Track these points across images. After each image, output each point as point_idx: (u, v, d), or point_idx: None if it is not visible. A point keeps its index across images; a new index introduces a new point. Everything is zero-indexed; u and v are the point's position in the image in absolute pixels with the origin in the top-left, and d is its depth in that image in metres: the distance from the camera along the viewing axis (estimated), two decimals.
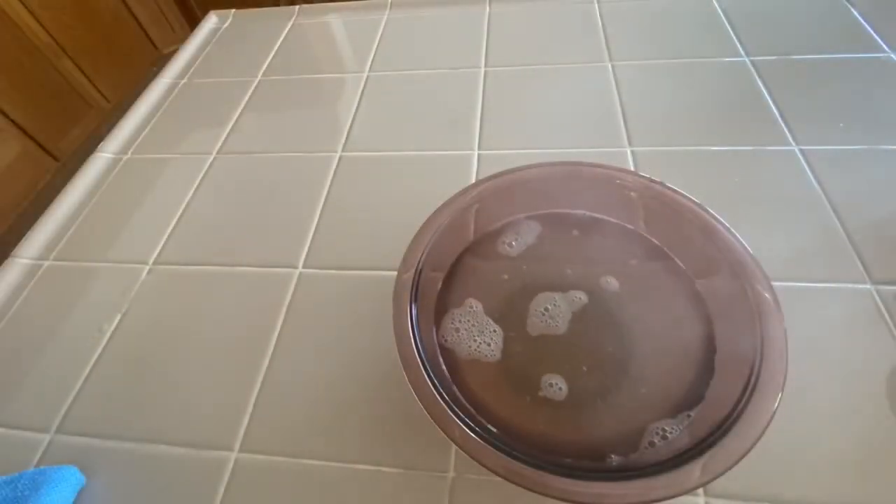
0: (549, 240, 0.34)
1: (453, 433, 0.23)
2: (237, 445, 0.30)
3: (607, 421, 0.27)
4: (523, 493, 0.22)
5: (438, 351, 0.29)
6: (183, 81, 0.58)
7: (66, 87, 1.51)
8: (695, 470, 0.22)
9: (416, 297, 0.28)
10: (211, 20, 0.67)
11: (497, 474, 0.22)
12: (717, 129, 0.43)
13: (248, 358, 0.34)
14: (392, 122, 0.49)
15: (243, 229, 0.42)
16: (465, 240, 0.34)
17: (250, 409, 0.31)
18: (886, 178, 0.38)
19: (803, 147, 0.41)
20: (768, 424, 0.22)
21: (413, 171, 0.44)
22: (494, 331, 0.30)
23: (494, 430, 0.26)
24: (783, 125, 0.43)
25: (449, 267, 0.33)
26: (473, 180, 0.42)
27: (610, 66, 0.51)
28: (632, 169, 0.41)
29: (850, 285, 0.33)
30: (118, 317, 0.37)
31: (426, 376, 0.25)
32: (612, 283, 0.32)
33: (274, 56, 0.60)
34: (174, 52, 0.63)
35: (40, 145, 1.44)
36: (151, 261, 0.40)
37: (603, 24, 0.56)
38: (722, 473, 0.21)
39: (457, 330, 0.30)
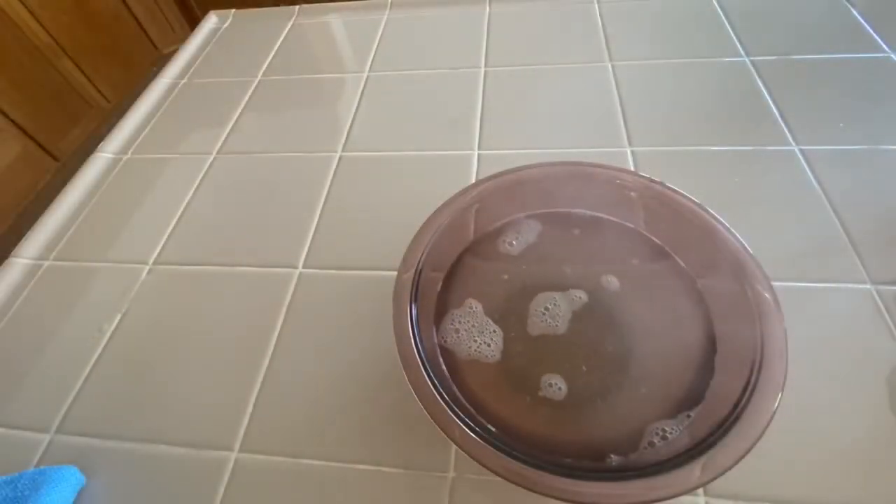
0: (550, 239, 0.34)
1: (453, 433, 0.23)
2: (237, 445, 0.30)
3: (607, 421, 0.27)
4: (523, 493, 0.22)
5: (438, 351, 0.29)
6: (183, 81, 0.58)
7: (66, 87, 1.51)
8: (695, 470, 0.22)
9: (416, 297, 0.28)
10: (211, 20, 0.67)
11: (497, 474, 0.22)
12: (717, 129, 0.43)
13: (248, 358, 0.34)
14: (392, 122, 0.49)
15: (243, 229, 0.42)
16: (465, 240, 0.34)
17: (250, 409, 0.31)
18: (886, 178, 0.38)
19: (803, 147, 0.41)
20: (768, 424, 0.22)
21: (413, 171, 0.44)
22: (494, 331, 0.30)
23: (494, 430, 0.26)
24: (783, 125, 0.43)
25: (449, 267, 0.33)
26: (473, 180, 0.42)
27: (610, 66, 0.51)
28: (632, 169, 0.41)
29: (850, 285, 0.33)
30: (118, 317, 0.37)
31: (426, 376, 0.25)
32: (612, 282, 0.32)
33: (274, 56, 0.60)
34: (174, 52, 0.63)
35: (40, 145, 1.44)
36: (151, 261, 0.40)
37: (603, 24, 0.56)
38: (722, 473, 0.21)
39: (456, 331, 0.30)
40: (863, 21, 0.52)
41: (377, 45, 0.58)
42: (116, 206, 0.45)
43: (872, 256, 0.34)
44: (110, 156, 0.50)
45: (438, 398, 0.24)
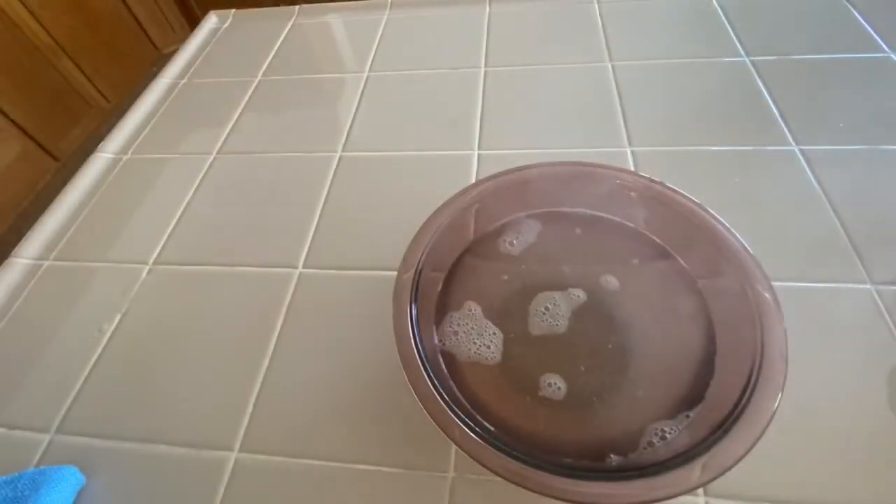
0: (550, 239, 0.34)
1: (453, 433, 0.23)
2: (237, 445, 0.30)
3: (607, 421, 0.27)
4: (523, 493, 0.22)
5: (438, 352, 0.29)
6: (183, 81, 0.58)
7: (66, 87, 1.51)
8: (695, 470, 0.22)
9: (416, 297, 0.28)
10: (211, 20, 0.67)
11: (497, 474, 0.22)
12: (717, 129, 0.43)
13: (248, 358, 0.34)
14: (392, 122, 0.49)
15: (243, 229, 0.42)
16: (466, 240, 0.34)
17: (250, 409, 0.31)
18: (886, 178, 0.38)
19: (803, 147, 0.41)
20: (768, 424, 0.22)
21: (413, 171, 0.44)
22: (494, 333, 0.30)
23: (494, 429, 0.26)
24: (783, 125, 0.43)
25: (449, 267, 0.33)
26: (473, 180, 0.42)
27: (610, 66, 0.51)
28: (632, 169, 0.41)
29: (850, 285, 0.33)
30: (118, 317, 0.37)
31: (426, 376, 0.25)
32: (612, 282, 0.32)
33: (274, 56, 0.60)
34: (174, 52, 0.63)
35: (40, 145, 1.44)
36: (151, 261, 0.40)
37: (603, 24, 0.56)
38: (722, 473, 0.21)
39: (455, 333, 0.30)
40: (863, 21, 0.52)
41: (377, 45, 0.58)
42: (116, 206, 0.45)
43: (872, 256, 0.34)
44: (110, 156, 0.50)
45: (438, 398, 0.24)
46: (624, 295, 0.31)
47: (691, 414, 0.26)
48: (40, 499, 0.27)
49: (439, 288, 0.32)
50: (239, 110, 0.53)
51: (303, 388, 0.32)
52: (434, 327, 0.30)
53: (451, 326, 0.30)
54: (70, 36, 1.49)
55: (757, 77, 0.48)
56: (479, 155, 0.44)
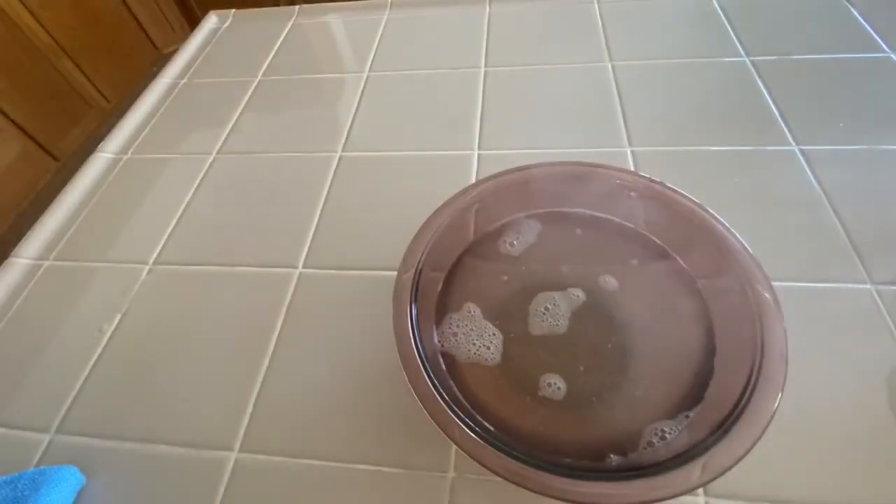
0: (550, 239, 0.34)
1: (453, 433, 0.23)
2: (237, 445, 0.30)
3: (607, 421, 0.27)
4: (523, 493, 0.22)
5: (438, 352, 0.29)
6: (183, 81, 0.58)
7: (66, 87, 1.51)
8: (695, 470, 0.22)
9: (416, 297, 0.28)
10: (211, 20, 0.67)
11: (497, 474, 0.22)
12: (717, 129, 0.43)
13: (248, 358, 0.34)
14: (392, 122, 0.49)
15: (243, 229, 0.42)
16: (466, 240, 0.34)
17: (250, 409, 0.31)
18: (886, 178, 0.38)
19: (803, 147, 0.41)
20: (768, 424, 0.22)
21: (413, 171, 0.44)
22: (493, 334, 0.30)
23: (494, 429, 0.26)
24: (783, 125, 0.43)
25: (449, 267, 0.33)
26: (473, 180, 0.42)
27: (610, 66, 0.51)
28: (632, 169, 0.41)
29: (850, 285, 0.33)
30: (118, 317, 0.37)
31: (426, 376, 0.25)
32: (612, 282, 0.32)
33: (274, 56, 0.60)
34: (174, 52, 0.63)
35: (40, 145, 1.44)
36: (151, 261, 0.40)
37: (603, 24, 0.56)
38: (722, 473, 0.21)
39: (455, 335, 0.30)
40: (863, 21, 0.52)
41: (377, 45, 0.58)
42: (116, 206, 0.45)
43: (872, 256, 0.34)
44: (110, 156, 0.50)
45: (438, 398, 0.24)
46: (624, 295, 0.31)
47: (691, 414, 0.26)
48: (40, 499, 0.27)
49: (439, 288, 0.32)
50: (239, 110, 0.53)
51: (303, 388, 0.32)
52: (434, 327, 0.30)
53: (450, 328, 0.30)
54: (70, 36, 1.49)
55: (757, 77, 0.48)
56: (479, 155, 0.44)
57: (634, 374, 0.28)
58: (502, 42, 0.56)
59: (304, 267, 0.38)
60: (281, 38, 0.62)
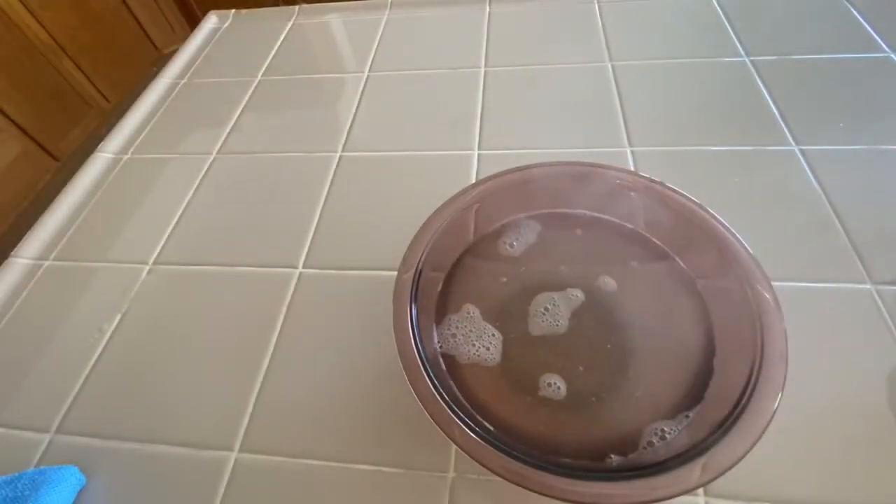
0: (550, 239, 0.34)
1: (453, 433, 0.23)
2: (237, 445, 0.30)
3: (607, 421, 0.27)
4: (523, 493, 0.22)
5: (438, 352, 0.29)
6: (183, 81, 0.58)
7: (66, 87, 1.51)
8: (695, 470, 0.22)
9: (416, 297, 0.28)
10: (211, 20, 0.67)
11: (497, 474, 0.22)
12: (717, 129, 0.43)
13: (248, 358, 0.34)
14: (392, 122, 0.49)
15: (243, 229, 0.42)
16: (466, 240, 0.34)
17: (250, 409, 0.31)
18: (886, 178, 0.38)
19: (803, 147, 0.41)
20: (768, 424, 0.22)
21: (413, 171, 0.44)
22: (493, 334, 0.30)
23: (494, 429, 0.26)
24: (783, 125, 0.43)
25: (449, 267, 0.33)
26: (473, 180, 0.42)
27: (610, 66, 0.51)
28: (632, 169, 0.41)
29: (850, 285, 0.33)
30: (118, 317, 0.37)
31: (426, 376, 0.25)
32: (612, 282, 0.32)
33: (274, 56, 0.60)
34: (174, 52, 0.63)
35: (40, 145, 1.44)
36: (151, 261, 0.40)
37: (603, 24, 0.56)
38: (722, 473, 0.21)
39: (454, 336, 0.30)
40: (863, 21, 0.52)
41: (377, 45, 0.58)
42: (116, 206, 0.45)
43: (872, 256, 0.34)
44: (110, 156, 0.50)
45: (438, 398, 0.24)
46: (624, 295, 0.31)
47: (691, 414, 0.26)
48: (40, 499, 0.27)
49: (439, 288, 0.32)
50: (239, 110, 0.53)
51: (303, 388, 0.32)
52: (434, 327, 0.30)
53: (449, 329, 0.30)
54: (70, 36, 1.49)
55: (757, 77, 0.48)
56: (479, 155, 0.44)
57: (635, 374, 0.28)
58: (502, 42, 0.56)
59: (304, 267, 0.38)
60: (281, 38, 0.62)
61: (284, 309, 0.36)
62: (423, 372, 0.25)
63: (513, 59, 0.54)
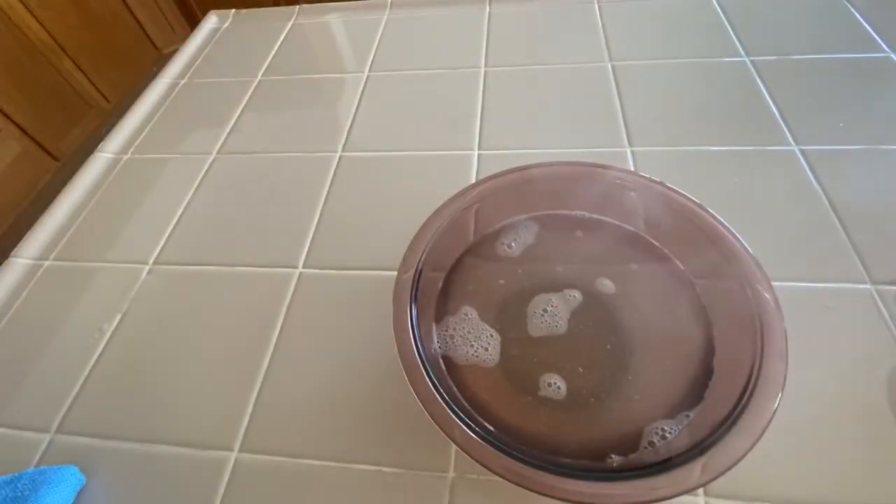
0: (550, 241, 0.34)
1: (453, 433, 0.23)
2: (237, 445, 0.30)
3: (607, 421, 0.27)
4: (523, 493, 0.22)
5: (438, 353, 0.29)
6: (183, 81, 0.58)
7: (66, 87, 1.51)
8: (695, 470, 0.22)
9: (416, 297, 0.28)
10: (211, 20, 0.67)
11: (497, 474, 0.22)
12: (717, 129, 0.43)
13: (248, 358, 0.34)
14: (392, 122, 0.49)
15: (243, 229, 0.42)
16: (466, 240, 0.34)
17: (250, 409, 0.31)
18: (886, 178, 0.38)
19: (803, 147, 0.41)
20: (768, 424, 0.22)
21: (413, 171, 0.44)
22: (491, 335, 0.30)
23: (494, 430, 0.26)
24: (783, 125, 0.43)
25: (449, 267, 0.33)
26: (473, 180, 0.42)
27: (610, 66, 0.51)
28: (632, 169, 0.41)
29: (850, 285, 0.33)
30: (118, 317, 0.37)
31: (426, 376, 0.25)
32: (612, 281, 0.32)
33: (274, 56, 0.60)
34: (174, 52, 0.63)
35: (40, 145, 1.44)
36: (151, 261, 0.40)
37: (603, 24, 0.56)
38: (722, 473, 0.21)
39: (451, 337, 0.30)
40: (863, 21, 0.52)
41: (377, 45, 0.58)
42: (116, 206, 0.45)
43: (872, 256, 0.34)
44: (110, 156, 0.50)
45: (438, 398, 0.24)
46: (624, 295, 0.31)
47: (691, 414, 0.26)
48: (40, 499, 0.27)
49: (439, 288, 0.32)
50: (239, 110, 0.53)
51: (303, 388, 0.32)
52: (434, 327, 0.30)
53: (447, 330, 0.30)
54: (70, 36, 1.49)
55: (757, 77, 0.48)
56: (479, 155, 0.44)
57: (635, 374, 0.28)
58: (502, 42, 0.56)
59: (304, 267, 0.38)
60: (281, 38, 0.62)
61: (284, 309, 0.36)
62: (423, 372, 0.25)
63: (513, 59, 0.54)
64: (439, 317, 0.31)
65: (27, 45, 1.38)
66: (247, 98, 0.54)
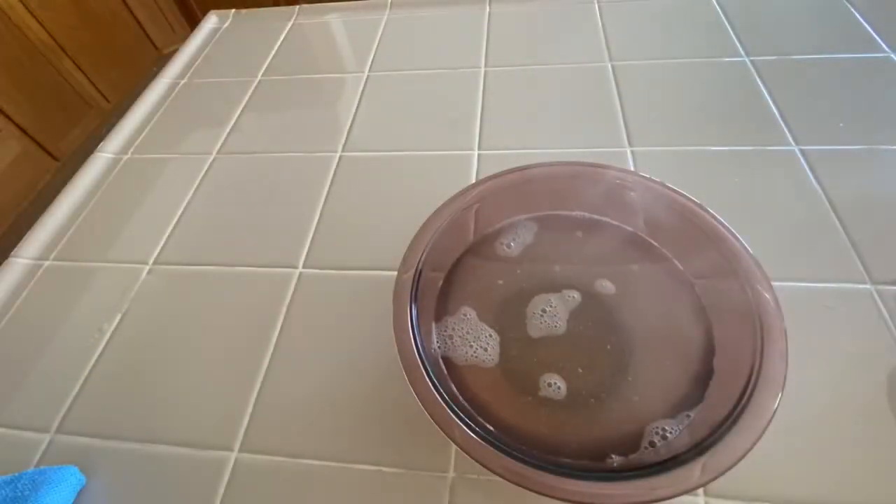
0: (549, 241, 0.34)
1: (453, 433, 0.23)
2: (237, 445, 0.30)
3: (607, 421, 0.27)
4: (523, 493, 0.22)
5: (438, 354, 0.29)
6: (183, 81, 0.58)
7: (66, 87, 1.51)
8: (695, 470, 0.22)
9: (416, 297, 0.28)
10: (211, 20, 0.67)
11: (497, 474, 0.22)
12: (717, 129, 0.43)
13: (248, 358, 0.34)
14: (392, 122, 0.49)
15: (243, 229, 0.42)
16: (465, 240, 0.34)
17: (250, 409, 0.31)
18: (886, 178, 0.38)
19: (803, 147, 0.41)
20: (768, 424, 0.22)
21: (413, 171, 0.44)
22: (490, 336, 0.30)
23: (494, 430, 0.26)
24: (783, 125, 0.43)
25: (449, 267, 0.33)
26: (473, 180, 0.42)
27: (610, 66, 0.51)
28: (632, 169, 0.41)
29: (850, 285, 0.33)
30: (118, 317, 0.37)
31: (426, 376, 0.25)
32: (612, 282, 0.32)
33: (274, 56, 0.60)
34: (174, 52, 0.63)
35: (40, 145, 1.44)
36: (151, 261, 0.40)
37: (603, 24, 0.56)
38: (722, 473, 0.21)
39: (451, 338, 0.30)
40: (863, 21, 0.52)
41: (377, 45, 0.58)
42: (116, 206, 0.45)
43: (872, 256, 0.34)
44: (110, 156, 0.50)
45: (438, 398, 0.24)
46: (624, 295, 0.31)
47: (691, 414, 0.26)
48: (40, 499, 0.27)
49: (439, 288, 0.32)
50: (239, 110, 0.53)
51: (303, 388, 0.32)
52: (434, 327, 0.30)
53: (446, 331, 0.30)
54: (70, 36, 1.49)
55: (757, 77, 0.48)
56: (479, 155, 0.44)
57: (635, 374, 0.28)
58: (502, 42, 0.56)
59: (304, 267, 0.38)
60: (281, 38, 0.62)
61: (284, 309, 0.36)
62: (424, 372, 0.25)
63: (513, 59, 0.54)
64: (439, 317, 0.31)
65: (27, 45, 1.38)
66: (247, 98, 0.54)
